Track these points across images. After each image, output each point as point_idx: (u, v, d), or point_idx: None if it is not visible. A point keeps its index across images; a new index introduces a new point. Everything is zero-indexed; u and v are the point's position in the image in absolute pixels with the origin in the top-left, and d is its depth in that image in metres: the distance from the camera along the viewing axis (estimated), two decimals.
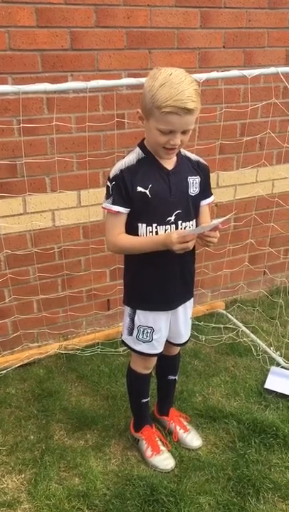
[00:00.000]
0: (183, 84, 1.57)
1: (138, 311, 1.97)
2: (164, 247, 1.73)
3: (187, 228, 1.86)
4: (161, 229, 1.80)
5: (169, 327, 2.04)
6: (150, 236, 1.80)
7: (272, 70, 2.26)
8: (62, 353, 2.89)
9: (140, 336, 1.99)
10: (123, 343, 2.10)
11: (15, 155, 2.53)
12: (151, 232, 1.80)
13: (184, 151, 1.87)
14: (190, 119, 1.63)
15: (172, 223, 1.81)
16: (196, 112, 1.63)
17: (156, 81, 1.59)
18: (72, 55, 2.51)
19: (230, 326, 3.20)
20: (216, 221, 1.72)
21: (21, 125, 2.41)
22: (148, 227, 1.80)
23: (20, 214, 2.66)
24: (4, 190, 2.57)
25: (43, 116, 2.53)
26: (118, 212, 1.79)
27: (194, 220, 1.90)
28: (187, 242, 1.71)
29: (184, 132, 1.67)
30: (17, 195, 2.60)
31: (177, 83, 1.57)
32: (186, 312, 2.07)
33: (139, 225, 1.80)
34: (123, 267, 2.01)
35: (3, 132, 2.48)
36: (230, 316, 3.30)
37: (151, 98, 1.60)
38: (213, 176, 2.72)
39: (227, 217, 1.74)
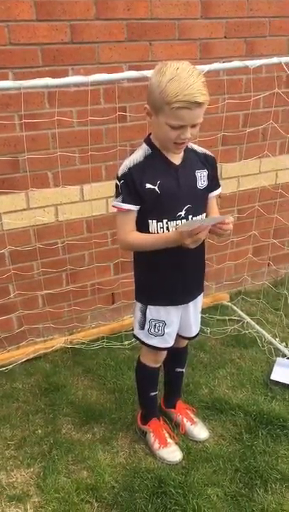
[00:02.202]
0: (191, 78, 1.55)
1: (149, 306, 1.97)
2: (176, 244, 1.72)
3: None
4: (172, 224, 1.79)
5: (180, 320, 2.05)
6: (161, 233, 1.79)
7: (274, 60, 2.23)
8: (67, 348, 2.90)
9: (152, 330, 2.00)
10: (134, 337, 2.10)
11: (17, 150, 2.52)
12: (162, 227, 1.79)
13: (190, 144, 1.86)
14: (200, 113, 1.62)
15: (183, 218, 1.80)
16: (206, 105, 1.62)
17: (164, 76, 1.57)
18: (72, 48, 2.50)
19: (235, 318, 3.20)
20: (220, 217, 1.76)
21: (23, 120, 2.40)
22: (159, 223, 1.79)
23: (24, 209, 2.65)
24: (7, 186, 2.56)
25: (44, 111, 2.52)
26: (128, 210, 1.79)
27: (204, 214, 1.89)
28: (197, 234, 1.69)
29: (193, 126, 1.66)
30: (20, 191, 2.60)
31: (186, 77, 1.55)
32: (196, 305, 2.07)
33: (150, 221, 1.79)
34: (132, 262, 2.01)
35: (5, 128, 2.46)
36: (235, 307, 3.30)
37: (160, 94, 1.58)
38: None
39: (227, 216, 1.75)
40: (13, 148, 2.52)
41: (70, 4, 2.42)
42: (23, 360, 2.79)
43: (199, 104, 1.58)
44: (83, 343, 2.93)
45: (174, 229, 1.78)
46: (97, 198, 2.78)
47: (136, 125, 2.71)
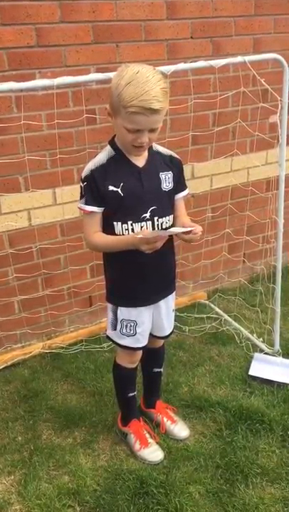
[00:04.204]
0: (149, 84, 1.56)
1: (120, 306, 1.97)
2: (134, 247, 1.74)
3: (164, 223, 1.86)
4: (137, 226, 1.80)
5: (152, 320, 2.05)
6: (122, 236, 1.81)
7: (239, 59, 2.26)
8: (46, 353, 2.88)
9: (124, 330, 2.00)
10: (108, 338, 2.11)
11: None
12: (127, 229, 1.80)
13: (155, 146, 1.87)
14: (156, 118, 1.63)
15: (148, 220, 1.81)
16: (163, 111, 1.63)
17: (123, 79, 1.58)
18: (38, 51, 2.49)
19: (213, 316, 3.22)
20: (181, 229, 1.78)
21: None
22: (123, 225, 1.80)
23: None
24: None
25: (12, 116, 2.50)
26: (92, 212, 1.80)
27: (171, 215, 1.90)
28: (154, 242, 1.70)
29: (151, 130, 1.67)
30: None
31: (143, 82, 1.55)
32: (167, 305, 2.07)
33: (115, 223, 1.80)
34: (103, 264, 2.01)
35: None
36: (212, 305, 3.33)
37: (118, 97, 1.59)
38: (187, 168, 2.74)
39: (191, 228, 1.76)
40: None
41: (34, 8, 2.41)
42: (1, 367, 2.76)
43: (155, 111, 1.59)
44: (62, 348, 2.91)
45: (138, 231, 1.79)
46: (70, 201, 2.77)
47: (106, 127, 2.71)
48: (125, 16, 2.63)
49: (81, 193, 1.81)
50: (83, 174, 1.80)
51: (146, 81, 1.56)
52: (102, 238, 1.83)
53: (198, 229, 1.76)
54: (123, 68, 1.62)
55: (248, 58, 2.27)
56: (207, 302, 3.37)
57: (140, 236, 1.69)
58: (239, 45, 3.01)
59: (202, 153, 3.13)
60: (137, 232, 1.77)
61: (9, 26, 2.39)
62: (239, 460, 2.12)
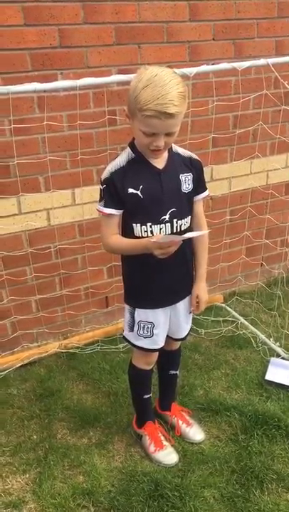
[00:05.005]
0: (166, 87, 1.53)
1: (137, 308, 1.97)
2: (148, 251, 1.73)
3: (183, 225, 1.86)
4: (156, 228, 1.80)
5: (169, 322, 2.05)
6: (137, 240, 1.80)
7: (262, 61, 2.24)
8: (62, 352, 2.89)
9: (141, 332, 2.00)
10: (124, 339, 2.10)
11: (7, 155, 2.51)
12: (146, 231, 1.80)
13: (175, 148, 1.86)
14: (172, 123, 1.61)
15: (167, 222, 1.81)
16: (180, 116, 1.61)
17: (141, 82, 1.57)
18: (61, 52, 2.50)
19: (230, 319, 3.20)
20: (195, 233, 1.82)
21: (12, 126, 2.39)
22: (142, 227, 1.80)
23: (15, 214, 2.65)
24: None
25: (34, 116, 2.52)
26: (110, 214, 1.80)
27: (189, 217, 1.90)
28: (168, 247, 1.69)
29: (168, 134, 1.65)
30: (11, 196, 2.59)
31: (160, 85, 1.54)
32: (186, 307, 2.07)
33: (134, 225, 1.80)
34: (121, 265, 2.02)
35: None
36: (229, 308, 3.31)
37: (134, 99, 1.58)
38: (207, 170, 2.73)
39: (204, 232, 1.86)
40: (3, 153, 2.51)
41: (57, 9, 2.42)
42: (18, 365, 2.78)
43: (170, 115, 1.56)
44: (78, 348, 2.92)
45: (157, 233, 1.79)
46: (89, 202, 2.78)
47: (126, 128, 2.71)
48: (148, 17, 2.63)
49: (100, 195, 1.81)
50: (103, 176, 1.79)
51: (163, 84, 1.54)
52: (118, 241, 1.83)
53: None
54: (142, 71, 1.61)
55: (271, 61, 2.25)
56: (224, 305, 3.35)
57: (153, 240, 1.68)
58: (261, 47, 2.99)
59: (222, 155, 3.12)
60: (151, 237, 1.76)
61: (33, 27, 2.40)
62: (255, 465, 2.11)
